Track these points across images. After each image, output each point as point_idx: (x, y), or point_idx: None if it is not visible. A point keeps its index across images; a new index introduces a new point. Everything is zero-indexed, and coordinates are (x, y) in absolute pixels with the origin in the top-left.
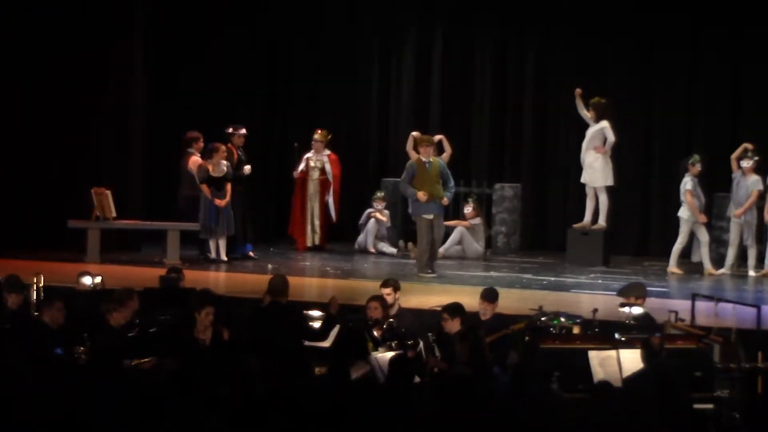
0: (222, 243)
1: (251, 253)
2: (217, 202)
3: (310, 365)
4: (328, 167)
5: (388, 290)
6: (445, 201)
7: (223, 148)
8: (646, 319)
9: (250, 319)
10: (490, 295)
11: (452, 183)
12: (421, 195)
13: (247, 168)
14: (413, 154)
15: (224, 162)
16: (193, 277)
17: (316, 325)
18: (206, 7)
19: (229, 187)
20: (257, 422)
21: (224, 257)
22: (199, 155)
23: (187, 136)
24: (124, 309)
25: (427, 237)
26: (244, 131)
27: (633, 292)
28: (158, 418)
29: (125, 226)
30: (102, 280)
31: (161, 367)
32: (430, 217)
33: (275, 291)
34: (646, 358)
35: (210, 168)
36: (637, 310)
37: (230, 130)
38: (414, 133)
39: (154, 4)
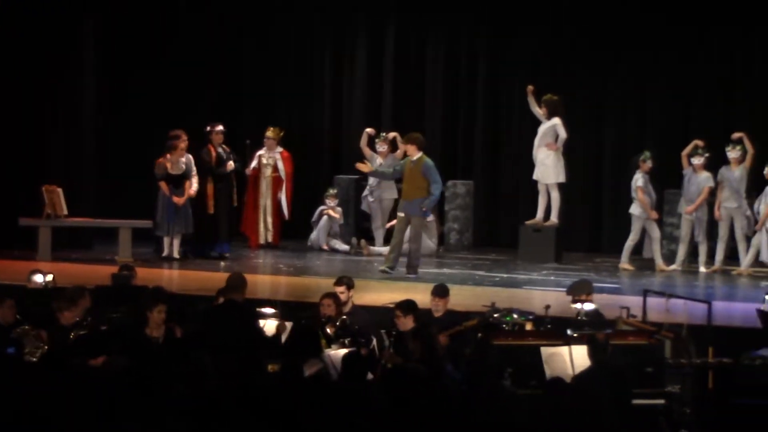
0: (176, 241)
1: (227, 254)
2: (176, 199)
3: (262, 362)
4: (280, 164)
5: (341, 288)
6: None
7: (182, 146)
8: (596, 316)
9: (204, 316)
10: (440, 291)
11: (437, 184)
12: (362, 166)
13: (230, 164)
14: (367, 151)
15: (183, 159)
16: (145, 275)
17: (270, 324)
18: (158, 6)
19: (187, 184)
20: (210, 420)
21: (176, 255)
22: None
23: (168, 135)
24: (76, 307)
25: (398, 234)
26: (221, 128)
27: (582, 289)
28: (111, 416)
29: (77, 223)
30: (53, 278)
31: (112, 365)
32: (401, 214)
33: (232, 288)
34: (592, 354)
35: (168, 165)
36: (589, 307)
37: (208, 128)
38: (368, 130)
39: (106, 2)
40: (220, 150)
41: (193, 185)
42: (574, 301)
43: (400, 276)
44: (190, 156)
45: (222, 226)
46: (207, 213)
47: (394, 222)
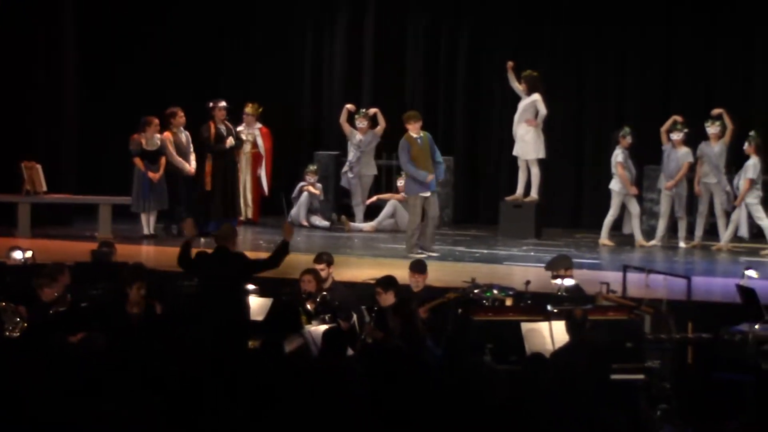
0: (152, 217)
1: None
2: (151, 175)
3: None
4: (259, 141)
5: (321, 266)
6: (430, 177)
7: (156, 121)
8: (577, 291)
9: (196, 259)
10: (418, 267)
11: (440, 157)
12: (431, 177)
13: (230, 140)
14: (347, 127)
15: (158, 135)
16: (125, 252)
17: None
18: None
19: (163, 160)
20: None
21: (153, 231)
22: (177, 130)
23: (165, 113)
24: (56, 284)
25: (419, 216)
26: (224, 104)
27: (561, 265)
28: (92, 393)
29: (56, 200)
30: (33, 254)
31: (91, 341)
32: (427, 194)
33: (223, 237)
34: (570, 329)
35: (143, 141)
36: (569, 282)
37: (210, 104)
38: (348, 106)
39: None
40: (221, 126)
41: (191, 162)
42: (554, 277)
43: (382, 252)
44: (188, 133)
45: (216, 204)
46: (204, 190)
47: (374, 198)
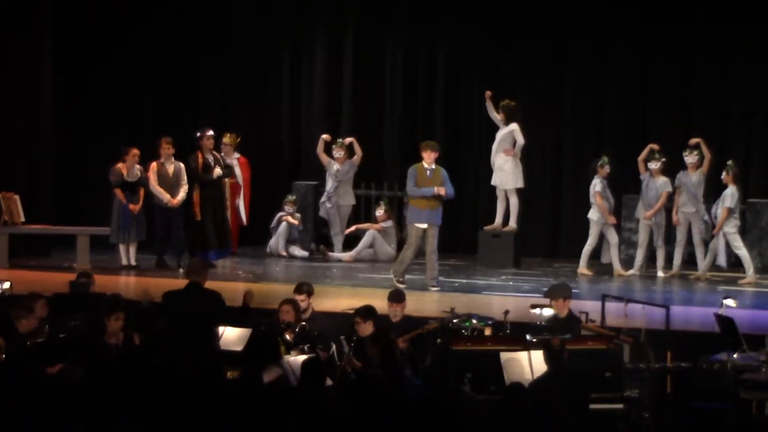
0: (132, 248)
1: (212, 261)
2: (131, 207)
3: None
4: (237, 171)
5: (302, 296)
6: (438, 190)
7: (135, 151)
8: (571, 321)
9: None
10: (397, 297)
11: (451, 191)
12: (440, 190)
13: (217, 170)
14: (324, 157)
15: (138, 166)
16: (104, 283)
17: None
18: (114, 11)
19: (142, 192)
20: (169, 427)
21: (134, 262)
22: (165, 161)
23: (159, 141)
24: (33, 315)
25: (414, 246)
26: (211, 133)
27: (560, 294)
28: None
29: (34, 231)
30: (11, 285)
31: (69, 373)
32: (424, 226)
33: (194, 271)
34: (547, 359)
35: (124, 172)
36: (548, 312)
37: (198, 134)
38: (324, 136)
39: (63, 10)
40: (209, 156)
41: (180, 194)
42: (533, 306)
43: (360, 282)
44: (181, 164)
45: (209, 234)
46: (195, 220)
47: (352, 228)
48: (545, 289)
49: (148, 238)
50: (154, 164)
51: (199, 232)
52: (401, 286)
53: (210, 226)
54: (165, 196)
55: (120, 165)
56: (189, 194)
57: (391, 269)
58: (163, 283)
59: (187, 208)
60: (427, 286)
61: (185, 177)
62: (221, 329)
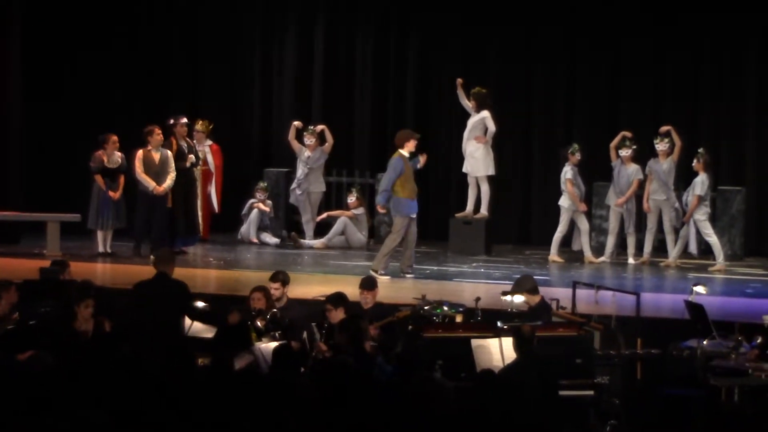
0: (109, 235)
1: (181, 248)
2: (111, 194)
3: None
4: (209, 158)
5: (276, 284)
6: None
7: (115, 138)
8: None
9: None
10: (368, 284)
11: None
12: (382, 210)
13: (191, 158)
14: (295, 144)
15: (118, 153)
16: (81, 270)
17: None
18: (85, 2)
19: (122, 179)
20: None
21: (110, 250)
22: (154, 149)
23: (143, 130)
24: (1, 301)
25: (400, 236)
26: (184, 120)
27: (525, 286)
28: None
29: (3, 217)
30: None
31: (39, 360)
32: (413, 216)
33: (162, 261)
34: (517, 346)
35: (105, 159)
36: (519, 299)
37: (171, 121)
38: (295, 123)
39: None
40: (182, 144)
41: (167, 181)
42: (504, 293)
43: (332, 269)
44: (168, 152)
45: (179, 222)
46: (167, 208)
47: (324, 215)
48: (517, 276)
49: (128, 226)
50: (140, 152)
51: (169, 219)
52: (385, 277)
53: (180, 213)
54: (150, 183)
55: (100, 152)
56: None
57: (374, 265)
58: (135, 270)
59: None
60: (403, 273)
61: (173, 164)
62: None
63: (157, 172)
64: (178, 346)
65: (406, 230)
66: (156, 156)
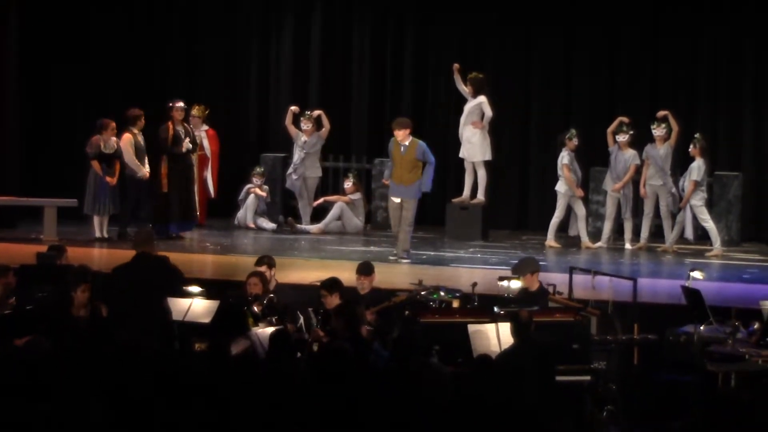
0: (105, 221)
1: (174, 234)
2: (108, 179)
3: (190, 341)
4: (206, 143)
5: (262, 268)
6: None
7: (113, 124)
8: (539, 293)
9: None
10: (365, 269)
11: (431, 161)
12: (385, 182)
13: (187, 142)
14: (292, 129)
15: (114, 138)
16: (78, 255)
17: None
18: None
19: (118, 164)
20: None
21: (106, 234)
22: (138, 133)
23: (128, 114)
24: None
25: (393, 220)
26: (181, 104)
27: (529, 268)
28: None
29: (0, 202)
30: None
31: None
32: (397, 200)
33: (142, 242)
34: (515, 331)
35: (102, 144)
36: (515, 285)
37: (169, 104)
38: (292, 108)
39: None
40: (179, 128)
41: (146, 165)
42: (501, 279)
43: (328, 254)
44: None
45: (173, 207)
46: (160, 192)
47: (321, 201)
48: (514, 261)
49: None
50: (129, 136)
51: (163, 204)
52: (407, 261)
53: (175, 198)
54: (142, 170)
55: (97, 137)
56: (156, 165)
57: (398, 252)
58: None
59: (153, 179)
60: (399, 258)
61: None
62: (189, 302)
63: (141, 156)
64: (162, 327)
65: (396, 213)
66: (141, 140)
